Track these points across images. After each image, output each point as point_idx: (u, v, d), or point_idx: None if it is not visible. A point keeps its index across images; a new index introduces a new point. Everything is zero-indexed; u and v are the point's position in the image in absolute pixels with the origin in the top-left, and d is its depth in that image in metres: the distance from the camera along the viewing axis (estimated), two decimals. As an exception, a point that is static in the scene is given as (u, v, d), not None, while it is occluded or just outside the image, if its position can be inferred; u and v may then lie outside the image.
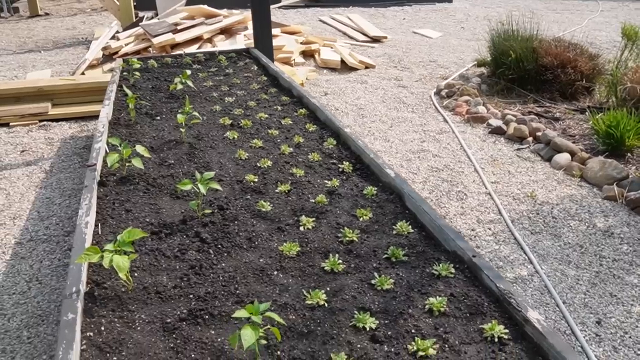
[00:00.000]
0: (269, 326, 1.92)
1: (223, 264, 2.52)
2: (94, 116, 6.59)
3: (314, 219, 2.88)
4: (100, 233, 2.77)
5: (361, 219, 2.88)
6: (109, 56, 8.76)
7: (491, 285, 2.26)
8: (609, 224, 4.20)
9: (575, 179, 4.92)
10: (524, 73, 7.00)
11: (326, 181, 3.30)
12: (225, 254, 2.60)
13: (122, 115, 4.46)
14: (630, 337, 3.10)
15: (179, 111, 4.23)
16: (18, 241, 4.12)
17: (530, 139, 5.68)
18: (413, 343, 2.01)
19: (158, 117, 4.43)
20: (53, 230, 4.26)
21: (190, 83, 4.75)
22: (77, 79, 6.83)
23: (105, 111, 4.31)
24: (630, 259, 3.78)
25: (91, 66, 8.42)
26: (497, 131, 5.94)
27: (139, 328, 2.14)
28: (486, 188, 4.75)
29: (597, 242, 3.98)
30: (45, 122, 6.49)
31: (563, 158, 5.17)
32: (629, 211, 4.37)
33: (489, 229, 4.15)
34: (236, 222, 2.86)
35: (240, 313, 1.85)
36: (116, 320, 2.17)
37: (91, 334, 2.09)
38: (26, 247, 4.05)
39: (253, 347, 1.82)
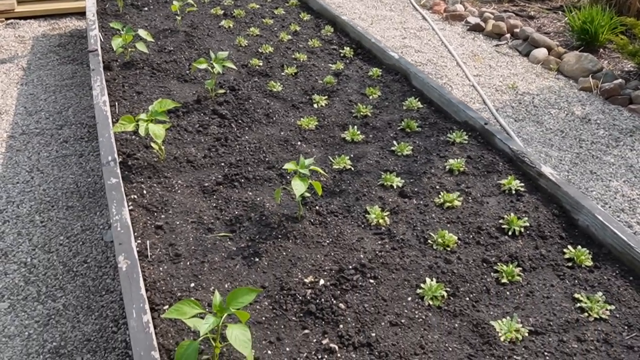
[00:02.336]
0: (310, 181, 2.05)
1: (246, 137, 2.62)
2: (64, 14, 6.33)
3: (325, 97, 2.98)
4: (117, 112, 2.80)
5: (371, 97, 3.00)
6: (67, -48, 8.26)
7: (504, 147, 2.44)
8: (586, 112, 4.45)
9: (553, 72, 5.13)
10: (500, -29, 7.02)
11: (330, 65, 3.37)
12: (247, 128, 2.69)
13: (107, 6, 4.34)
14: (609, 207, 3.40)
15: (173, -2, 4.14)
16: (10, 135, 4.08)
17: (508, 35, 5.81)
18: (440, 196, 2.19)
19: (145, 8, 4.33)
20: (44, 124, 4.22)
21: (173, -27, 4.61)
22: (42, -26, 6.46)
23: (91, 1, 4.18)
24: (607, 142, 4.06)
25: (49, -37, 7.95)
26: (475, 28, 6.03)
27: (179, 191, 2.25)
28: (469, 80, 4.91)
29: (576, 127, 4.23)
30: (12, 20, 6.20)
31: (541, 53, 5.35)
32: (604, 100, 4.63)
33: (476, 117, 4.33)
34: (250, 100, 2.93)
35: (289, 166, 1.97)
36: (155, 185, 2.27)
37: (135, 196, 2.19)
38: (20, 140, 4.01)
39: (299, 199, 1.96)
